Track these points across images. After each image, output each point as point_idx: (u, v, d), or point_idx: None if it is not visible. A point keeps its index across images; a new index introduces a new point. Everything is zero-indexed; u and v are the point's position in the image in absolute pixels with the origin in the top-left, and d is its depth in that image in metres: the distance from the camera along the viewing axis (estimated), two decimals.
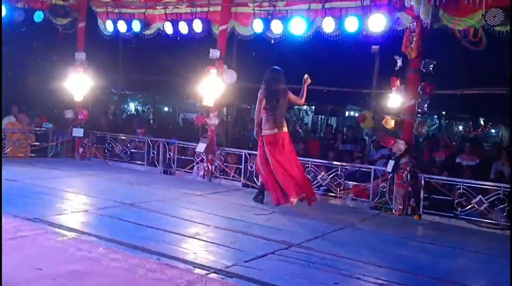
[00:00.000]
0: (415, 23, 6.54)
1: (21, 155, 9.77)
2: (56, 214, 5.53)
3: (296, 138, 13.69)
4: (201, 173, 8.87)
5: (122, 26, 9.65)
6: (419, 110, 6.75)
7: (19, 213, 5.24)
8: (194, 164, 9.04)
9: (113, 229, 5.05)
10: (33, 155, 10.05)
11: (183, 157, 9.36)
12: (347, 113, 19.97)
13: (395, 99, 6.92)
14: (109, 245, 4.50)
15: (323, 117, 19.75)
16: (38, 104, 11.97)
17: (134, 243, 4.54)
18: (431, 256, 5.08)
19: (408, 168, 6.83)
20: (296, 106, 20.04)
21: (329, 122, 18.70)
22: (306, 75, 6.84)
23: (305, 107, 20.71)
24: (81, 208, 6.00)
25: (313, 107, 20.43)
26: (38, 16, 9.51)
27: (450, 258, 5.12)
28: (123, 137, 10.20)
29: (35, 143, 10.20)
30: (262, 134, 6.78)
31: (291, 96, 6.90)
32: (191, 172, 9.10)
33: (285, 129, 6.81)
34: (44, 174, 8.10)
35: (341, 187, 7.58)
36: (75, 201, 6.39)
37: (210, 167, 8.72)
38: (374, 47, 9.83)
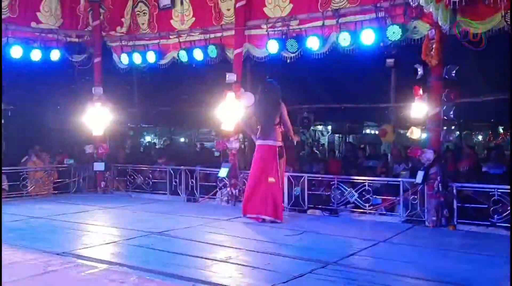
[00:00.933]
0: (433, 30, 6.46)
1: (44, 193, 9.79)
2: (85, 247, 5.47)
3: (315, 159, 13.59)
4: (225, 198, 8.76)
5: (137, 58, 9.75)
6: (445, 118, 6.61)
7: (47, 248, 5.20)
8: (217, 189, 8.94)
9: (144, 258, 4.96)
10: (55, 192, 10.06)
11: (206, 184, 9.28)
12: (364, 131, 19.81)
13: (419, 109, 6.80)
14: (142, 274, 4.39)
15: (340, 136, 19.62)
16: (58, 141, 12.05)
17: (167, 271, 4.44)
18: (475, 266, 4.88)
19: (438, 178, 6.65)
20: (312, 128, 20.00)
21: (347, 140, 18.56)
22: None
23: (320, 127, 20.63)
24: (109, 239, 5.92)
25: (329, 126, 20.35)
26: (55, 55, 9.64)
27: (495, 267, 4.89)
28: (144, 168, 10.17)
29: (57, 180, 10.21)
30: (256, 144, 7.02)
31: (284, 113, 6.94)
32: (215, 198, 9.00)
33: (274, 142, 6.83)
34: (68, 210, 8.06)
35: (370, 203, 7.41)
36: (102, 233, 6.32)
37: (233, 192, 8.61)
38: (388, 60, 9.77)
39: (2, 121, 15.21)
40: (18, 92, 12.35)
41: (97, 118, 10.15)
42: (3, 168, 9.58)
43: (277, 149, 6.84)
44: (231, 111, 8.48)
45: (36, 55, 9.37)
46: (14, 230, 6.33)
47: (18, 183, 9.56)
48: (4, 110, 15.24)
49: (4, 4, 9.11)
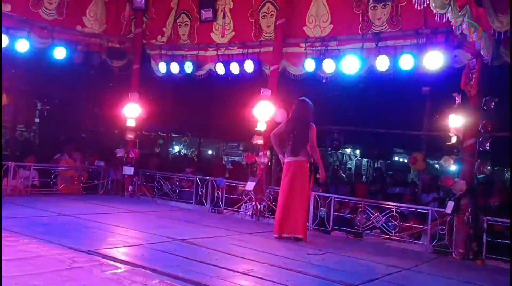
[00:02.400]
0: (474, 60, 6.40)
1: (73, 192, 9.95)
2: (110, 247, 5.52)
3: (341, 182, 13.50)
4: (249, 212, 8.76)
5: (174, 68, 9.90)
6: (480, 149, 6.50)
7: (74, 245, 5.25)
8: (242, 203, 8.95)
9: (166, 263, 4.96)
10: (84, 192, 10.23)
11: (231, 196, 9.31)
12: (393, 157, 19.62)
13: (454, 138, 6.70)
14: (163, 278, 4.40)
15: (368, 160, 19.46)
16: (91, 142, 12.31)
17: (189, 277, 4.44)
18: None
19: (469, 209, 6.51)
20: (340, 151, 19.88)
21: (375, 166, 18.39)
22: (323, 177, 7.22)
23: (348, 150, 20.51)
24: (134, 242, 5.98)
25: (357, 150, 20.21)
26: (96, 59, 9.90)
27: None
28: (172, 176, 10.27)
29: (86, 180, 10.40)
30: (285, 161, 6.97)
31: (312, 134, 6.86)
32: (239, 211, 9.01)
33: (304, 158, 6.81)
34: (96, 210, 8.18)
35: (396, 229, 7.29)
36: (127, 235, 6.38)
37: (258, 206, 8.61)
38: (425, 88, 9.72)
39: (38, 121, 15.78)
40: (57, 92, 12.74)
41: (130, 123, 10.34)
42: (35, 164, 9.85)
43: (308, 165, 6.83)
44: (263, 125, 8.52)
45: (78, 57, 9.63)
46: (42, 225, 6.46)
47: (49, 180, 9.78)
48: (40, 110, 15.78)
49: (51, 6, 9.42)
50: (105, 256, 5.02)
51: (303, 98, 7.10)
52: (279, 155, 7.21)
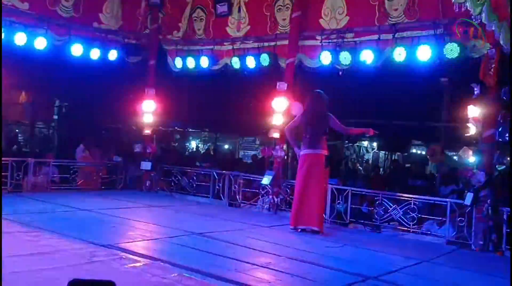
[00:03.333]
0: (493, 49, 6.29)
1: (92, 187, 10.08)
2: (129, 241, 5.60)
3: (358, 175, 13.42)
4: (266, 206, 8.78)
5: (190, 63, 9.93)
6: (500, 140, 6.40)
7: (94, 240, 5.34)
8: (260, 196, 8.97)
9: (185, 257, 5.02)
10: (103, 187, 10.35)
11: (248, 190, 9.33)
12: (411, 149, 19.42)
13: (473, 129, 6.62)
14: (182, 271, 4.45)
15: (386, 153, 19.30)
16: (109, 138, 12.42)
17: (207, 271, 4.48)
18: None
19: (489, 201, 6.43)
20: (356, 144, 19.75)
21: (392, 158, 18.24)
22: (371, 131, 7.13)
23: (365, 143, 20.36)
24: (152, 236, 6.06)
25: (375, 143, 20.05)
26: (112, 55, 9.97)
27: None
28: (189, 170, 10.33)
29: (105, 176, 10.52)
30: (301, 154, 6.97)
31: (334, 121, 6.92)
32: (256, 205, 9.03)
33: (321, 151, 6.83)
34: (114, 205, 8.28)
35: (415, 221, 7.24)
36: (145, 230, 6.45)
37: (275, 200, 8.62)
38: (443, 79, 9.59)
39: (56, 117, 15.99)
40: (75, 89, 12.87)
41: (147, 118, 10.42)
42: (55, 160, 10.00)
43: (325, 157, 6.82)
44: (279, 119, 8.51)
45: (95, 54, 9.71)
46: (62, 220, 6.58)
47: (68, 176, 9.92)
48: (59, 107, 15.99)
49: (68, 4, 9.51)
50: (124, 250, 5.09)
51: (317, 90, 7.10)
52: (295, 148, 7.25)
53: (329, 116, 6.91)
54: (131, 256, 4.91)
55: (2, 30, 8.06)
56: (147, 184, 10.50)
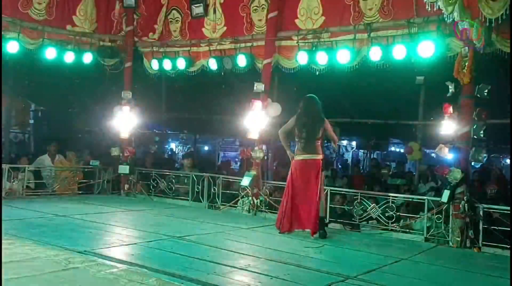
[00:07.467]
0: (466, 48, 6.36)
1: (69, 192, 9.91)
2: (106, 246, 5.51)
3: (338, 174, 13.46)
4: (246, 207, 8.74)
5: (167, 65, 9.85)
6: (475, 137, 6.48)
7: (69, 246, 5.24)
8: (239, 198, 8.93)
9: (163, 261, 4.96)
10: (80, 192, 10.19)
11: (228, 192, 9.28)
12: (389, 148, 19.62)
13: (448, 127, 6.69)
14: (160, 276, 4.39)
15: (365, 152, 19.45)
16: (86, 142, 12.24)
17: (186, 275, 4.43)
18: None
19: (465, 198, 6.51)
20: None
21: (371, 157, 18.39)
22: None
23: (344, 142, 20.48)
24: (130, 241, 5.96)
25: (354, 142, 20.20)
26: (87, 58, 9.83)
27: None
28: (168, 173, 10.23)
29: (82, 180, 10.34)
30: (294, 159, 6.91)
31: (328, 126, 6.90)
32: (236, 207, 8.99)
33: (316, 156, 6.78)
34: (91, 210, 8.15)
35: (393, 220, 7.29)
36: (123, 234, 6.36)
37: (255, 201, 8.59)
38: (418, 78, 9.68)
39: (32, 121, 15.71)
40: (50, 93, 12.67)
41: (124, 121, 10.29)
42: (29, 166, 9.80)
43: (321, 162, 6.80)
44: (257, 120, 8.50)
45: (69, 57, 9.57)
46: (37, 227, 6.43)
47: (44, 181, 9.73)
48: (35, 111, 15.70)
49: (41, 6, 9.35)
50: (101, 256, 5.00)
51: (310, 95, 7.01)
52: (288, 152, 7.13)
53: (324, 120, 6.87)
54: (108, 262, 4.82)
55: None
56: (125, 188, 10.38)
